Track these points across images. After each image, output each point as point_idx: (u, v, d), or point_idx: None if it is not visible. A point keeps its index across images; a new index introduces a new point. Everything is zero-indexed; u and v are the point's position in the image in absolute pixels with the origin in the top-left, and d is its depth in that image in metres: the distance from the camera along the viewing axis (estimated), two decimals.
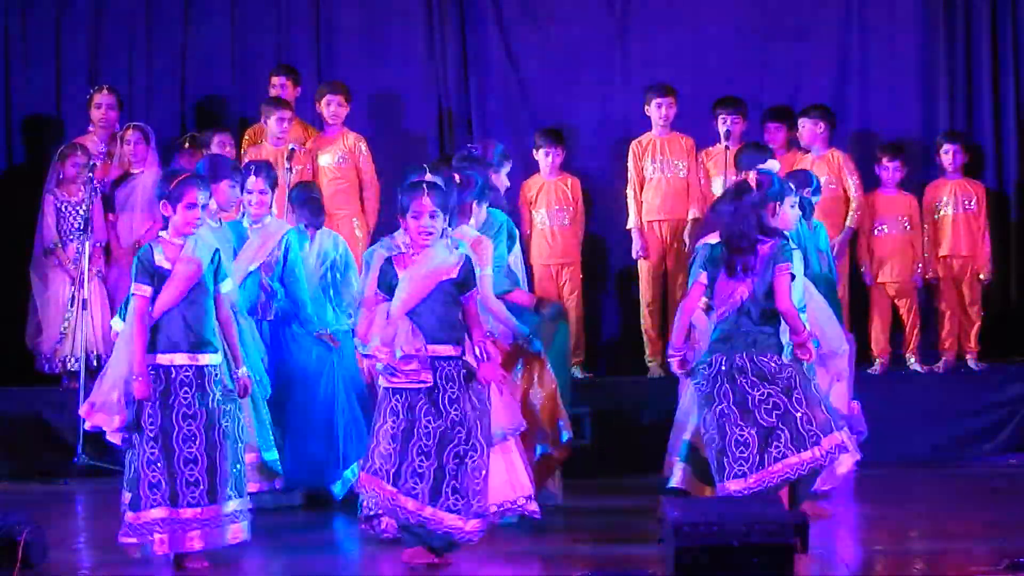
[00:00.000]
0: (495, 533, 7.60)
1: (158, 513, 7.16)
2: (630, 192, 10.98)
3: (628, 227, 10.97)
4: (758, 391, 7.40)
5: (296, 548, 7.96)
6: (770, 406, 7.40)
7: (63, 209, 10.80)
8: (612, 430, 10.14)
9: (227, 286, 7.41)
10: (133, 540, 7.20)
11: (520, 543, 7.82)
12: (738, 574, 6.34)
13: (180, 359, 7.23)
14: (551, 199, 10.97)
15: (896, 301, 10.98)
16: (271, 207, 9.15)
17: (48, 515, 8.08)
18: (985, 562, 7.03)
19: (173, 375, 7.21)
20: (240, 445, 7.39)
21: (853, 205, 10.85)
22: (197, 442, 7.20)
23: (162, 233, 7.36)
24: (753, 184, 7.66)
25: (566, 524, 8.37)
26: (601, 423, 10.06)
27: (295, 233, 9.18)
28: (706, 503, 6.90)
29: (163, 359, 7.23)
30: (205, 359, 7.26)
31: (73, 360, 10.58)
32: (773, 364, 7.42)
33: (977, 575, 6.84)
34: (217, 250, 7.40)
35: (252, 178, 9.00)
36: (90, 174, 10.58)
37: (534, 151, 11.04)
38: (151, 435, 7.18)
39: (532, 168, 11.08)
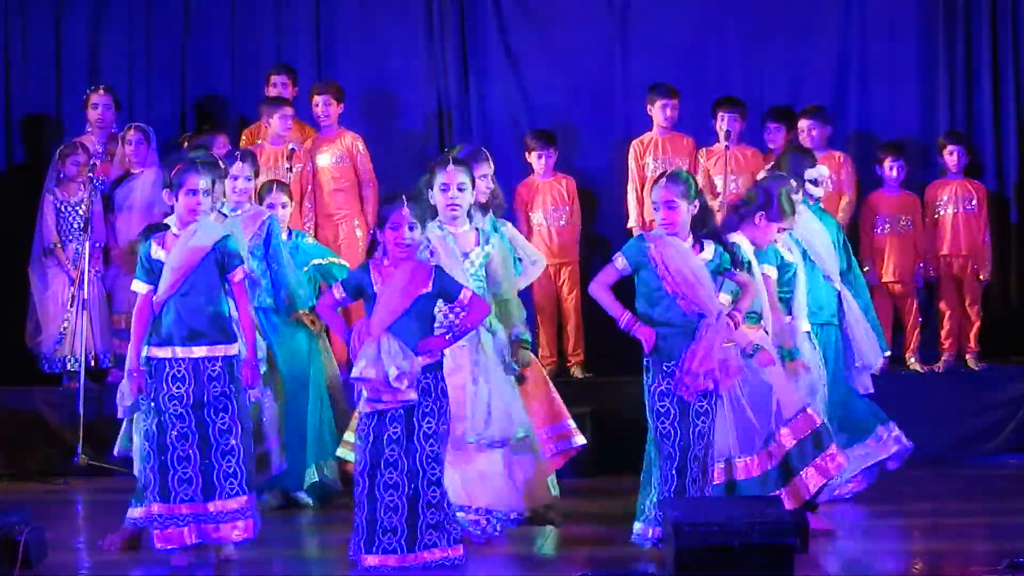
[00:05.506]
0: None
1: (155, 509, 7.17)
2: (631, 191, 10.98)
3: (629, 226, 10.97)
4: None
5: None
6: None
7: (63, 209, 10.79)
8: (612, 430, 10.12)
9: (239, 274, 7.23)
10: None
11: (519, 543, 7.81)
12: (738, 574, 6.34)
13: (169, 352, 7.15)
14: (547, 200, 10.96)
15: (897, 301, 10.98)
16: (251, 196, 9.08)
17: (48, 515, 8.07)
18: (985, 562, 7.04)
19: (167, 369, 7.15)
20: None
21: (844, 202, 10.80)
22: (190, 440, 7.14)
23: (168, 220, 7.36)
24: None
25: (565, 524, 8.36)
26: (601, 423, 10.04)
27: (275, 218, 9.04)
28: (706, 503, 6.89)
29: (156, 352, 7.17)
30: (200, 351, 7.15)
31: (73, 360, 10.58)
32: None
33: (977, 575, 6.84)
34: (226, 236, 7.24)
35: (239, 163, 8.86)
36: (90, 174, 10.58)
37: (527, 154, 11.02)
38: (146, 430, 7.19)
39: (531, 169, 11.07)
